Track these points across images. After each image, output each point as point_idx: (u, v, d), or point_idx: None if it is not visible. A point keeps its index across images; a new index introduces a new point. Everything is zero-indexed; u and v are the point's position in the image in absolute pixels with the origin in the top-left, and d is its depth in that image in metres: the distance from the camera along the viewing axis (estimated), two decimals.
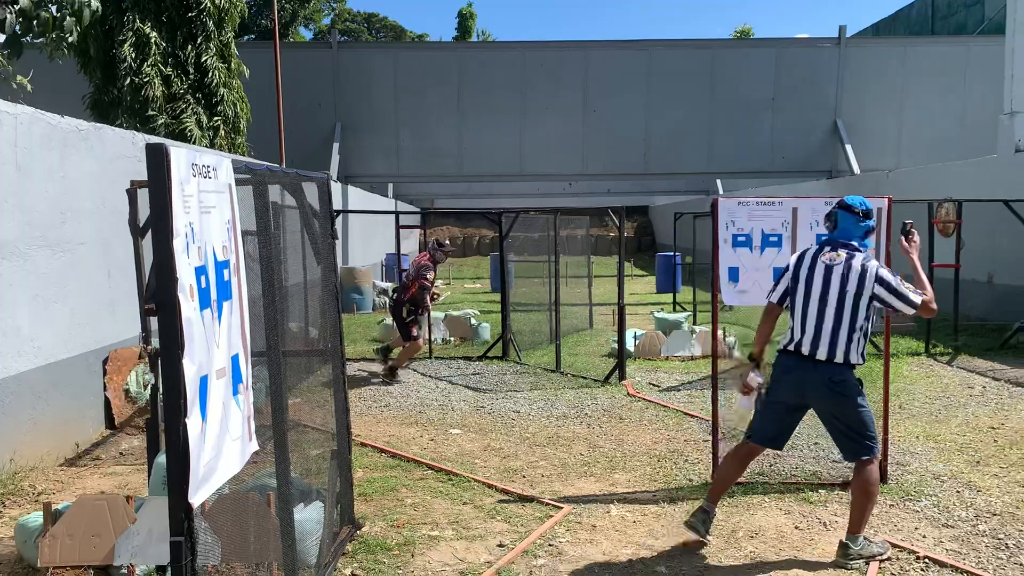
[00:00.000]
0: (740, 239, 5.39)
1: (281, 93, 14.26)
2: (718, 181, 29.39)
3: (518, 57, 19.80)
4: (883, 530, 4.63)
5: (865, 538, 4.21)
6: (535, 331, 12.16)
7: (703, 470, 5.74)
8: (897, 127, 19.76)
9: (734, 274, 5.41)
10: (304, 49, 24.88)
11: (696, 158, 20.40)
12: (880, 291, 4.13)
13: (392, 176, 22.01)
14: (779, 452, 6.08)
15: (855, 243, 4.26)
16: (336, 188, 17.75)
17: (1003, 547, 4.34)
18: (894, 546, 4.36)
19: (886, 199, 5.36)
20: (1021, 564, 4.12)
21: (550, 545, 4.48)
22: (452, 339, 12.38)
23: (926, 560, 4.20)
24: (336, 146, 19.03)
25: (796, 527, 4.69)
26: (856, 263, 4.17)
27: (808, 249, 4.41)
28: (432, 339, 11.49)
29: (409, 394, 8.60)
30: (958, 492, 5.22)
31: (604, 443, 6.62)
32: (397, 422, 7.44)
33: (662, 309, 14.93)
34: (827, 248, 4.29)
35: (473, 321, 12.74)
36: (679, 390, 8.62)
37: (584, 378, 9.31)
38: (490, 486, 5.51)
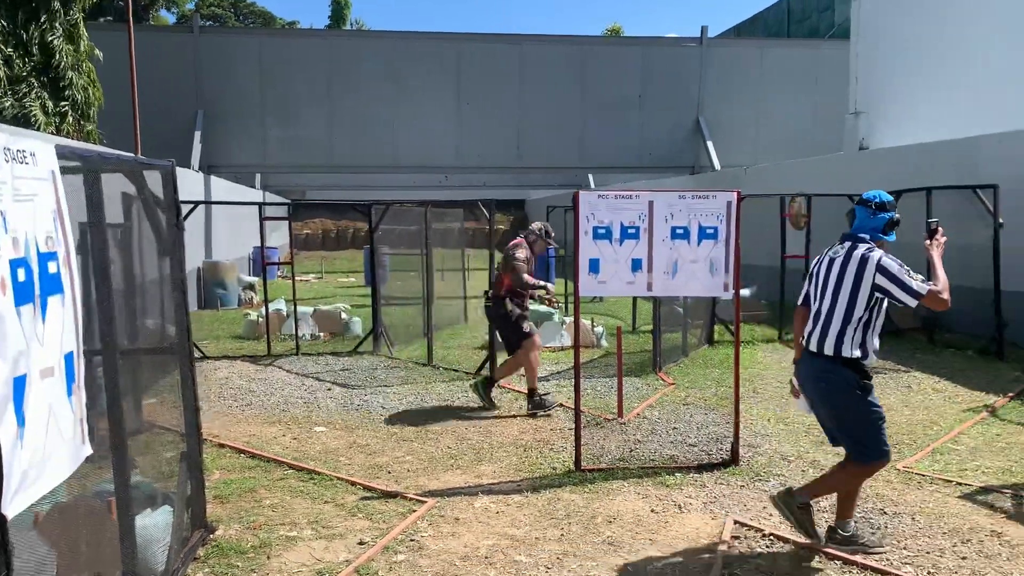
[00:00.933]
0: (600, 231, 5.49)
1: (136, 78, 13.50)
2: (590, 176, 30.02)
3: (390, 47, 19.55)
4: (734, 509, 4.83)
5: (856, 524, 4.26)
6: (409, 325, 12.04)
7: (567, 458, 5.82)
8: (755, 125, 20.74)
9: (595, 265, 5.51)
10: (164, 33, 23.69)
11: (568, 153, 20.74)
12: (882, 281, 3.95)
13: (258, 166, 21.31)
14: (639, 439, 6.30)
15: (865, 235, 4.13)
16: (198, 179, 17.01)
17: None
18: (743, 525, 4.56)
19: (735, 193, 5.58)
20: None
21: (411, 540, 4.43)
22: (322, 335, 12.10)
23: (771, 536, 4.41)
24: (198, 134, 18.22)
25: (652, 510, 4.83)
26: (856, 253, 4.05)
27: (823, 255, 4.31)
28: (300, 335, 11.20)
29: (273, 392, 8.34)
30: (803, 472, 5.51)
31: (472, 435, 6.62)
32: (259, 421, 7.19)
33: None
34: (837, 243, 4.24)
35: (344, 315, 12.50)
36: (548, 380, 8.72)
37: (456, 371, 9.29)
38: (353, 483, 5.40)
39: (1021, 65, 13.41)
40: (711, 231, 5.55)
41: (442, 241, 16.65)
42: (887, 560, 4.11)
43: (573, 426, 6.59)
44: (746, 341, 10.91)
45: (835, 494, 4.37)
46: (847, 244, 4.14)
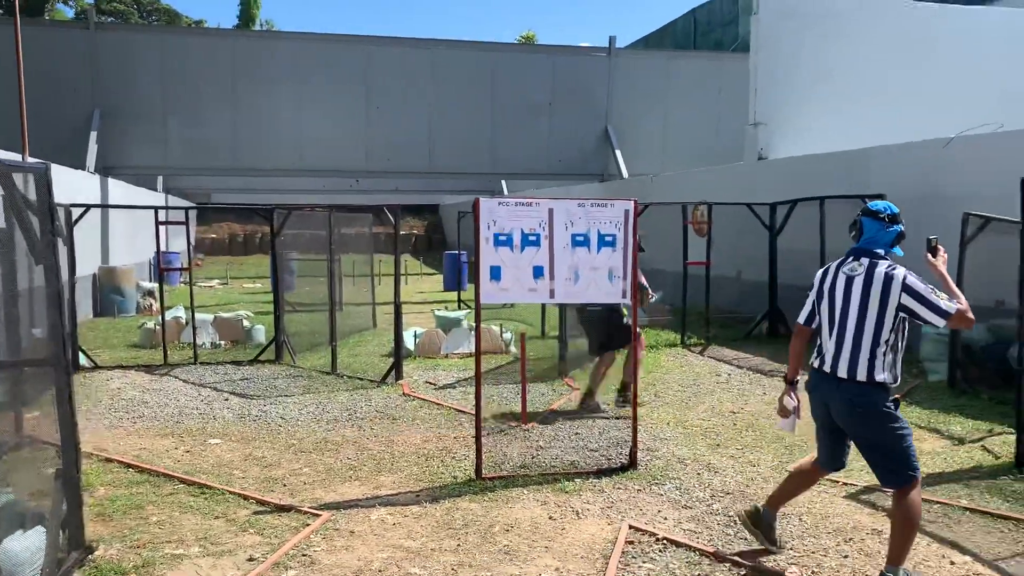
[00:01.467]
0: (501, 238, 5.49)
1: (23, 75, 12.81)
2: (503, 182, 30.12)
3: (298, 48, 19.17)
4: (630, 514, 4.88)
5: (905, 571, 3.85)
6: (315, 332, 11.79)
7: (468, 466, 5.78)
8: (661, 134, 21.19)
9: (496, 272, 5.50)
10: (57, 28, 22.65)
11: (480, 159, 20.75)
12: (908, 301, 3.74)
13: (160, 168, 20.56)
14: (541, 446, 6.32)
15: (880, 251, 3.90)
16: (94, 181, 16.29)
17: (732, 523, 4.72)
18: (638, 530, 4.61)
19: (632, 202, 5.66)
20: (745, 539, 4.48)
21: (303, 555, 4.31)
22: (223, 343, 11.73)
23: (664, 541, 4.47)
24: (94, 135, 17.44)
25: (551, 517, 4.83)
26: (879, 271, 3.81)
27: (829, 264, 4.10)
28: (199, 344, 10.83)
29: (167, 403, 8.02)
30: (699, 474, 5.63)
31: (374, 445, 6.51)
32: (151, 434, 6.90)
33: (446, 307, 15.04)
34: (850, 258, 3.96)
35: (246, 323, 12.16)
36: (455, 387, 8.68)
37: (361, 379, 9.14)
38: (246, 497, 5.23)
39: (907, 82, 14.13)
40: (610, 239, 5.61)
41: (351, 246, 16.44)
42: (775, 561, 4.22)
43: (485, 433, 6.58)
44: (651, 345, 11.10)
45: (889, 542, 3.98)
46: (865, 261, 3.88)
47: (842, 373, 3.85)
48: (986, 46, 14.49)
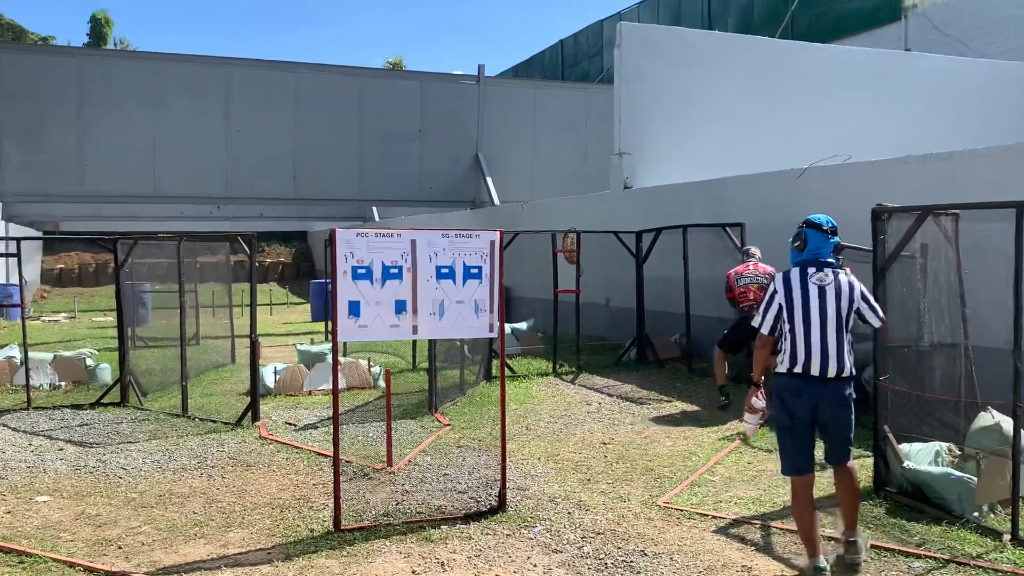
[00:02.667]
0: (360, 271, 5.17)
1: None
2: (374, 208, 29.59)
3: (152, 69, 18.15)
4: (498, 562, 4.64)
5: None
6: (169, 370, 10.96)
7: (327, 516, 5.38)
8: (531, 162, 21.36)
9: (355, 308, 5.17)
10: None
11: (348, 185, 20.25)
12: (862, 305, 4.36)
13: None
14: (407, 490, 6.00)
15: (831, 260, 4.37)
16: None
17: (603, 567, 4.55)
18: None
19: (498, 232, 5.48)
20: None
21: None
22: (63, 384, 10.75)
23: None
24: None
25: (413, 572, 4.52)
26: (842, 279, 4.33)
27: (788, 274, 4.40)
28: (34, 386, 9.86)
29: None
30: (569, 514, 5.45)
31: (224, 497, 5.99)
32: None
33: (312, 339, 14.43)
34: (812, 269, 4.34)
35: (89, 362, 11.21)
36: (317, 427, 8.22)
37: (214, 421, 8.51)
38: (72, 564, 4.65)
39: (761, 115, 14.76)
40: (475, 270, 5.41)
41: (208, 276, 15.57)
42: None
43: (347, 478, 6.18)
44: (522, 376, 10.97)
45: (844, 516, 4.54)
46: (828, 271, 4.34)
47: (831, 373, 4.27)
48: (827, 81, 15.37)
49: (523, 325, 13.46)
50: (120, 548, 4.97)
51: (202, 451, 7.31)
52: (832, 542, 4.64)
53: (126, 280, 17.08)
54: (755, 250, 9.23)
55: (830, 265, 4.36)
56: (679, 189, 12.66)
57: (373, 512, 5.52)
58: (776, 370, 4.46)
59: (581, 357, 11.61)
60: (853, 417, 4.43)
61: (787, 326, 4.35)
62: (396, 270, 5.23)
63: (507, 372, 11.06)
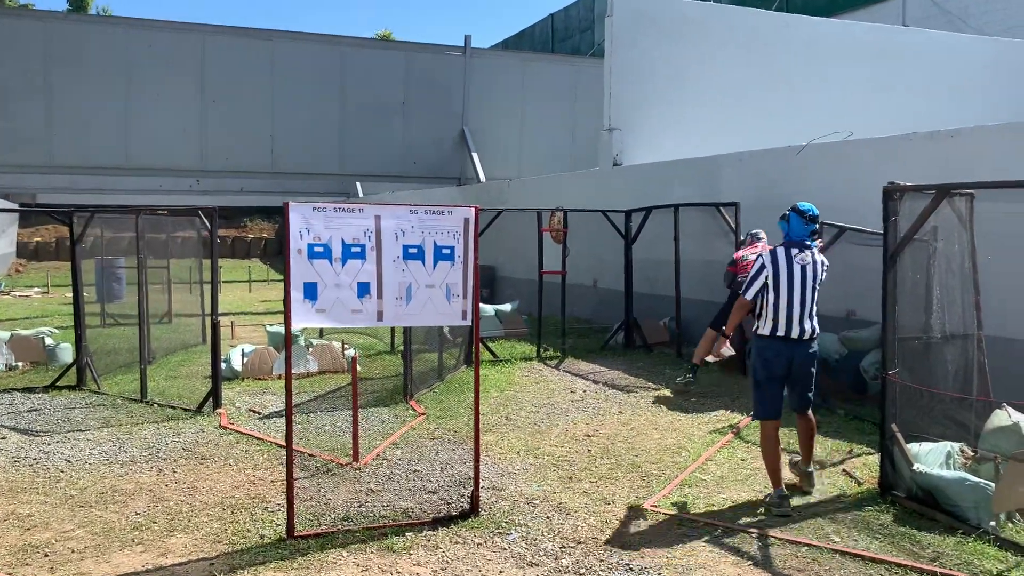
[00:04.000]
0: (317, 249, 4.63)
1: None
2: (358, 184, 28.92)
3: (122, 36, 17.37)
4: None
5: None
6: (136, 349, 10.40)
7: (282, 519, 4.87)
8: (519, 138, 20.73)
9: (312, 290, 4.63)
10: None
11: (329, 159, 19.59)
12: (823, 276, 5.27)
13: None
14: (373, 488, 5.51)
15: (808, 241, 5.21)
16: None
17: None
18: None
19: (472, 209, 4.94)
20: None
21: None
22: (20, 365, 10.18)
23: None
24: None
25: None
26: (817, 258, 5.21)
27: (774, 253, 5.18)
28: None
29: None
30: (548, 518, 4.96)
31: (172, 494, 5.48)
32: None
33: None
34: (795, 250, 5.17)
35: (49, 341, 10.62)
36: (283, 415, 7.68)
37: (173, 408, 7.98)
38: None
39: (757, 89, 14.23)
40: (447, 251, 4.87)
41: (184, 252, 14.99)
42: None
43: (297, 475, 5.69)
44: (504, 360, 10.48)
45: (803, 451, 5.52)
46: (807, 252, 5.19)
47: (805, 335, 5.15)
48: (826, 56, 14.84)
49: (507, 307, 12.94)
50: (46, 556, 4.46)
51: (156, 441, 6.79)
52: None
53: (99, 255, 16.56)
54: (762, 233, 8.73)
55: (808, 247, 5.19)
56: (671, 166, 12.13)
57: (332, 515, 5.02)
58: (758, 332, 5.25)
59: (567, 341, 11.12)
60: (816, 372, 5.33)
61: (771, 296, 5.13)
62: (358, 249, 4.69)
63: (489, 356, 10.58)
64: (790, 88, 14.29)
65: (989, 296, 6.16)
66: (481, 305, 12.60)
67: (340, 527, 4.80)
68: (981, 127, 7.88)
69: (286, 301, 4.57)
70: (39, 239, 34.63)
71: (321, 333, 11.96)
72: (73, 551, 4.53)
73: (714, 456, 6.29)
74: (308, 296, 4.62)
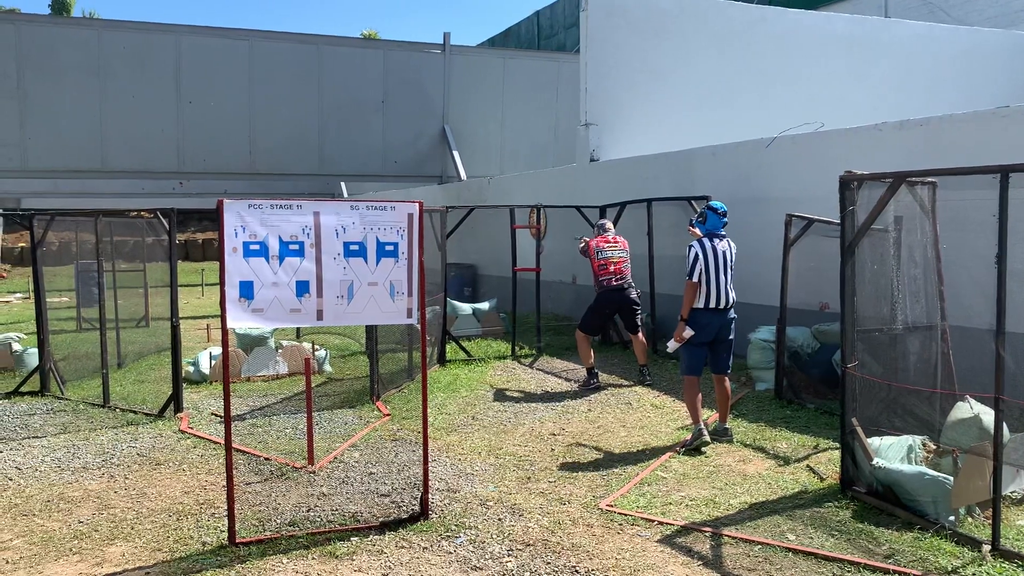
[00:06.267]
0: (253, 247, 4.50)
1: None
2: (342, 184, 28.71)
3: (95, 36, 17.19)
4: None
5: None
6: (111, 353, 10.27)
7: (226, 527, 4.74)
8: (500, 135, 20.59)
9: (248, 289, 4.50)
10: None
11: (307, 159, 19.44)
12: (734, 257, 6.53)
13: None
14: (325, 492, 5.37)
15: (722, 232, 6.48)
16: None
17: None
18: None
19: (417, 204, 4.80)
20: None
21: None
22: None
23: None
24: None
25: None
26: (730, 245, 6.49)
27: (703, 243, 6.34)
28: None
29: None
30: (500, 520, 4.84)
31: (120, 501, 5.35)
32: None
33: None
34: (715, 240, 6.39)
35: (16, 347, 10.47)
36: (245, 419, 7.56)
37: (135, 413, 7.84)
38: None
39: (734, 83, 14.11)
40: (391, 248, 4.75)
41: (157, 255, 14.83)
42: None
43: (249, 480, 5.56)
44: (478, 359, 10.35)
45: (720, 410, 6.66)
46: (724, 240, 6.45)
47: (729, 304, 6.41)
48: (803, 49, 14.72)
49: (485, 305, 12.80)
50: None
51: (111, 447, 6.64)
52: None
53: (82, 259, 16.35)
54: (609, 224, 9.39)
55: (721, 237, 6.45)
56: (646, 161, 12.00)
57: (279, 520, 4.89)
58: (695, 306, 6.34)
59: (543, 338, 10.98)
60: (733, 339, 6.54)
61: (704, 276, 6.30)
62: (296, 247, 4.56)
63: (462, 355, 10.45)
64: (766, 81, 14.17)
65: (958, 285, 6.06)
66: (458, 303, 12.47)
67: (285, 532, 4.67)
68: (950, 116, 7.77)
69: (221, 301, 4.43)
70: (23, 244, 34.36)
71: (298, 334, 11.82)
72: (7, 562, 4.39)
73: (677, 454, 6.17)
74: (244, 295, 4.49)
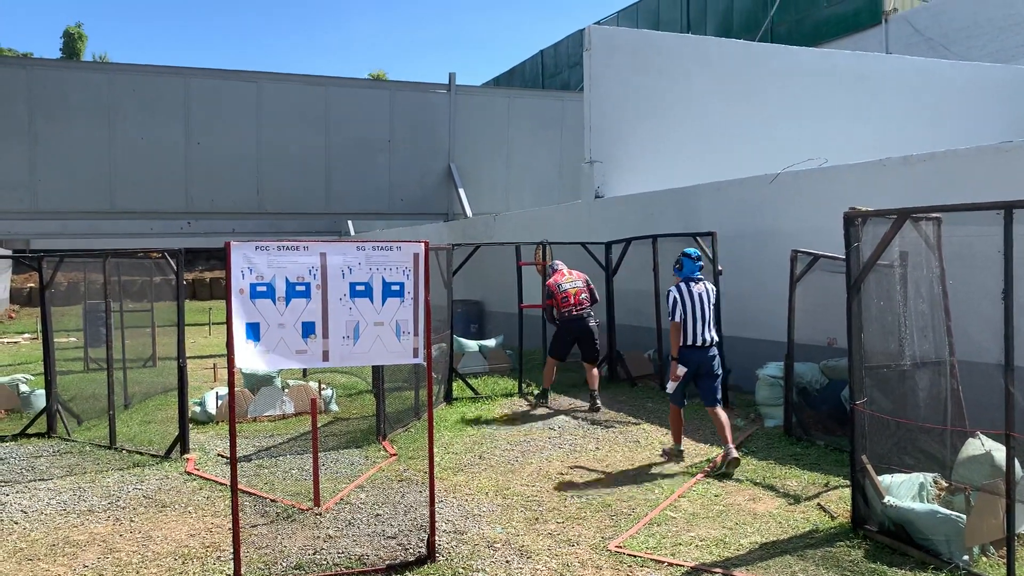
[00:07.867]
0: (260, 289, 4.52)
1: None
2: (350, 223, 28.90)
3: (105, 80, 17.45)
4: None
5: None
6: (118, 394, 10.26)
7: (232, 570, 4.70)
8: (505, 173, 20.73)
9: (254, 331, 4.51)
10: None
11: (314, 198, 19.57)
12: (716, 299, 7.19)
13: None
14: (331, 534, 5.34)
15: (699, 276, 6.99)
16: None
17: None
18: None
19: (422, 244, 4.84)
20: None
21: None
22: None
23: None
24: None
25: None
26: (709, 287, 7.02)
27: (680, 287, 6.89)
28: None
29: None
30: (507, 562, 4.79)
31: (125, 545, 5.31)
32: None
33: None
34: (692, 283, 6.91)
35: (24, 388, 10.49)
36: (251, 460, 7.53)
37: (141, 454, 7.82)
38: None
39: (737, 120, 14.21)
40: (397, 288, 4.76)
41: (165, 295, 14.89)
42: None
43: (255, 522, 5.53)
44: (485, 397, 10.32)
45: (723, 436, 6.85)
46: (700, 284, 6.95)
47: (709, 342, 6.87)
48: (805, 84, 14.84)
49: (491, 342, 12.79)
50: None
51: (117, 489, 6.62)
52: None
53: (90, 299, 16.44)
54: (559, 263, 10.05)
55: (698, 280, 6.97)
56: (651, 197, 12.06)
57: (285, 563, 4.85)
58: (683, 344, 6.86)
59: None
60: (720, 372, 7.03)
61: (685, 319, 6.82)
62: (303, 288, 4.58)
63: (469, 393, 10.41)
64: (769, 117, 14.26)
65: (965, 321, 6.04)
66: (464, 341, 12.46)
67: (291, 574, 4.63)
68: (954, 151, 7.81)
69: (228, 343, 4.44)
70: (32, 284, 34.57)
71: (305, 373, 11.82)
72: None
73: (687, 493, 6.12)
74: (251, 337, 4.50)
